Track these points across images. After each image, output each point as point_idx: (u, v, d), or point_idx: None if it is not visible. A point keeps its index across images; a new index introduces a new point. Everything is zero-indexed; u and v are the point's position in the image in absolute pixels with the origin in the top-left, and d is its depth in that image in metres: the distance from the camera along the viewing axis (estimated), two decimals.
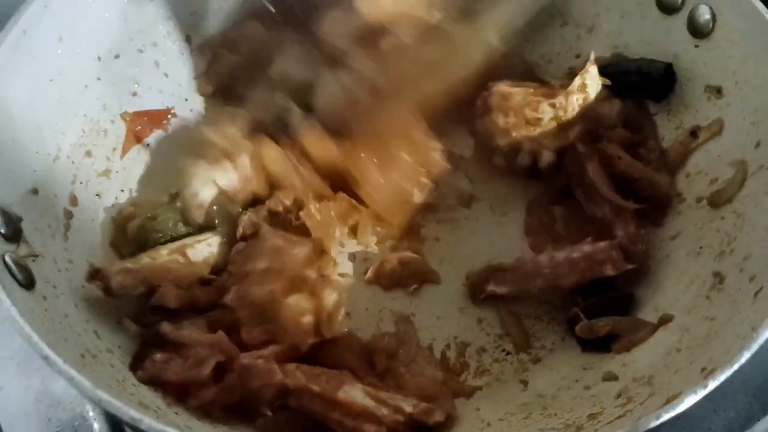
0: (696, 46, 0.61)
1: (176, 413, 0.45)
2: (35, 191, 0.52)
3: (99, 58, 0.62)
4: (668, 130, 0.63)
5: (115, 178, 0.62)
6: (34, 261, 0.48)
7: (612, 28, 0.67)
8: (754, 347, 0.40)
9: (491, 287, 0.58)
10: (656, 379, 0.47)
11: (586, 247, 0.56)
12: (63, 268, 0.51)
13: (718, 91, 0.59)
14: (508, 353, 0.57)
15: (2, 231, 0.47)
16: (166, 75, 0.67)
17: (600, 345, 0.54)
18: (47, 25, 0.56)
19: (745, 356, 0.40)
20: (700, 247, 0.55)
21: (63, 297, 0.49)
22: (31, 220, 0.50)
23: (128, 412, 0.36)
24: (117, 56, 0.63)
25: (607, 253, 0.56)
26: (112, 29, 0.62)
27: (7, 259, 0.45)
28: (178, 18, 0.68)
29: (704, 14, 0.59)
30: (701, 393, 0.39)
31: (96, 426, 0.58)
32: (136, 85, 0.65)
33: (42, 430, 0.59)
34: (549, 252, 0.57)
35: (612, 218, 0.58)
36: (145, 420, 0.36)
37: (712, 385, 0.39)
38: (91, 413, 0.59)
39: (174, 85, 0.67)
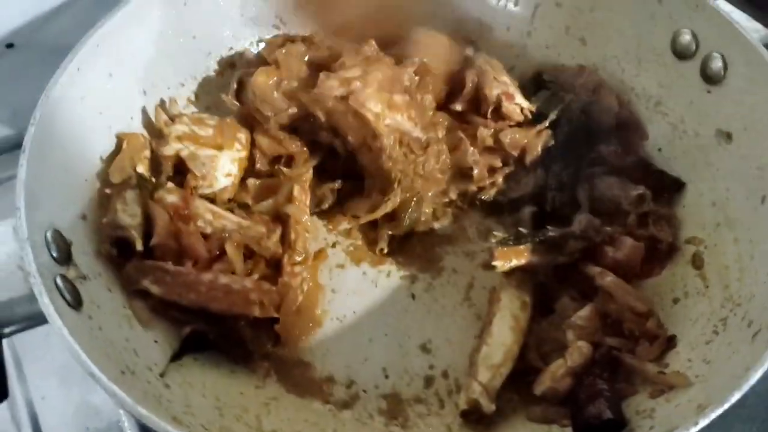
0: (708, 92, 0.63)
1: (206, 428, 0.49)
2: (84, 217, 0.57)
3: (144, 92, 0.66)
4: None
5: None
6: (81, 283, 0.52)
7: (630, 71, 0.70)
8: (745, 388, 0.43)
9: (146, 283, 0.56)
10: (657, 413, 0.49)
11: (247, 282, 0.59)
12: (106, 289, 0.55)
13: (728, 136, 0.62)
14: None
15: (54, 254, 0.51)
16: (208, 107, 0.71)
17: None
18: (99, 63, 0.61)
19: (736, 396, 0.42)
20: (707, 287, 0.58)
21: (106, 317, 0.52)
22: (79, 244, 0.54)
23: (165, 427, 0.40)
24: (160, 89, 0.68)
25: (261, 295, 0.58)
26: (157, 65, 0.67)
27: (59, 281, 0.49)
28: (217, 54, 0.72)
29: (716, 62, 0.62)
30: (693, 430, 0.41)
31: None
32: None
33: None
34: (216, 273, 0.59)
35: None
36: None
37: (703, 422, 0.41)
38: (126, 423, 0.63)
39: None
